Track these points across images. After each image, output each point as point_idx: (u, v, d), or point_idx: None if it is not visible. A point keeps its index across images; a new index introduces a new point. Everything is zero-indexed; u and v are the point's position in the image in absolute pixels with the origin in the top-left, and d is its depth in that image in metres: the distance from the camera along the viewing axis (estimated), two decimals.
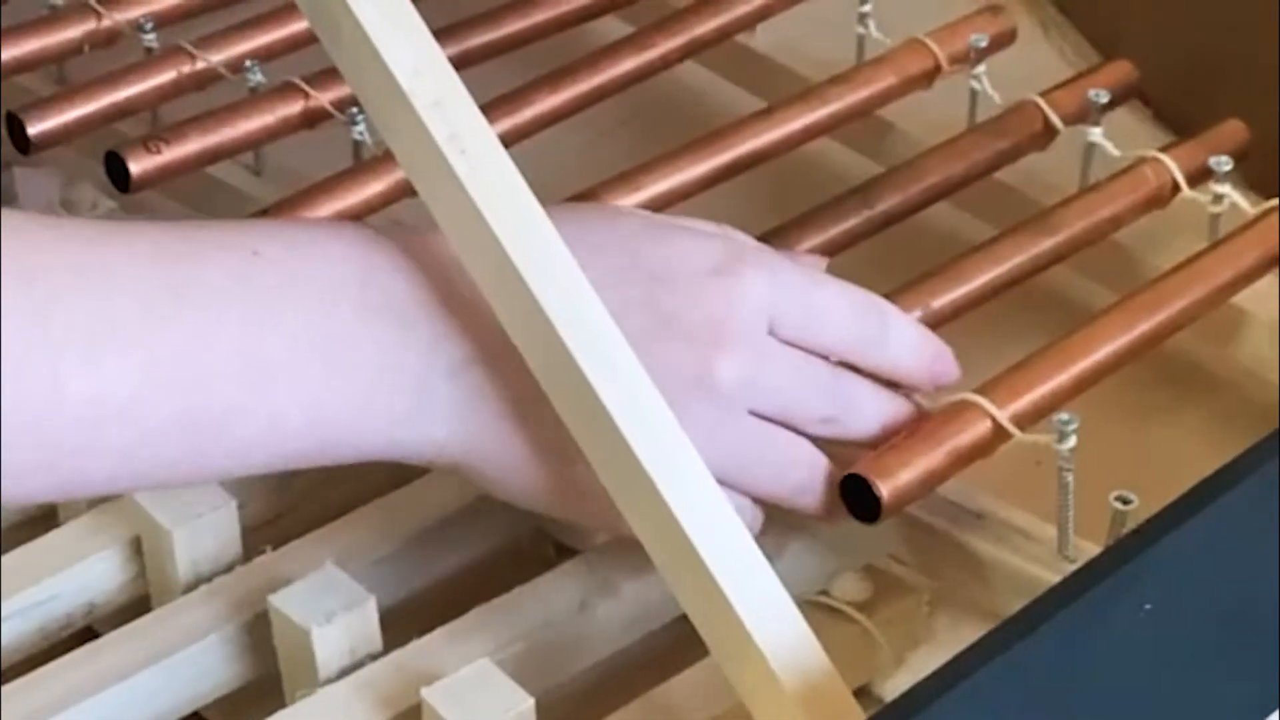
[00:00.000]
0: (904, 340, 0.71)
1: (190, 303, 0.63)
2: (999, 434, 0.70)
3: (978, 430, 0.70)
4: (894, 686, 0.69)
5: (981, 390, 0.71)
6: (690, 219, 0.72)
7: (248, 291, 0.64)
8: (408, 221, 0.76)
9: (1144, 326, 0.75)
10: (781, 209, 0.80)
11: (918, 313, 0.75)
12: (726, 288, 0.67)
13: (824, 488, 0.69)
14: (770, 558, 0.64)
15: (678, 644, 0.68)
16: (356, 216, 0.79)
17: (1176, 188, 0.83)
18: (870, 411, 0.70)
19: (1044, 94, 0.86)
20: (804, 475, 0.69)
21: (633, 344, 0.64)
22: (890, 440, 0.69)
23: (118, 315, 0.62)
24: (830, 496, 0.69)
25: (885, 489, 0.68)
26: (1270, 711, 0.56)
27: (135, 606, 0.73)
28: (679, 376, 0.65)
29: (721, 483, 0.64)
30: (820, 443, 0.69)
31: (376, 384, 0.65)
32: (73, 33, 0.90)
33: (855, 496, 0.68)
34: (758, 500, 0.69)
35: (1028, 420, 0.71)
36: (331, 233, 0.67)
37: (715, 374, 0.66)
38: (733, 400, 0.67)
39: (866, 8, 0.90)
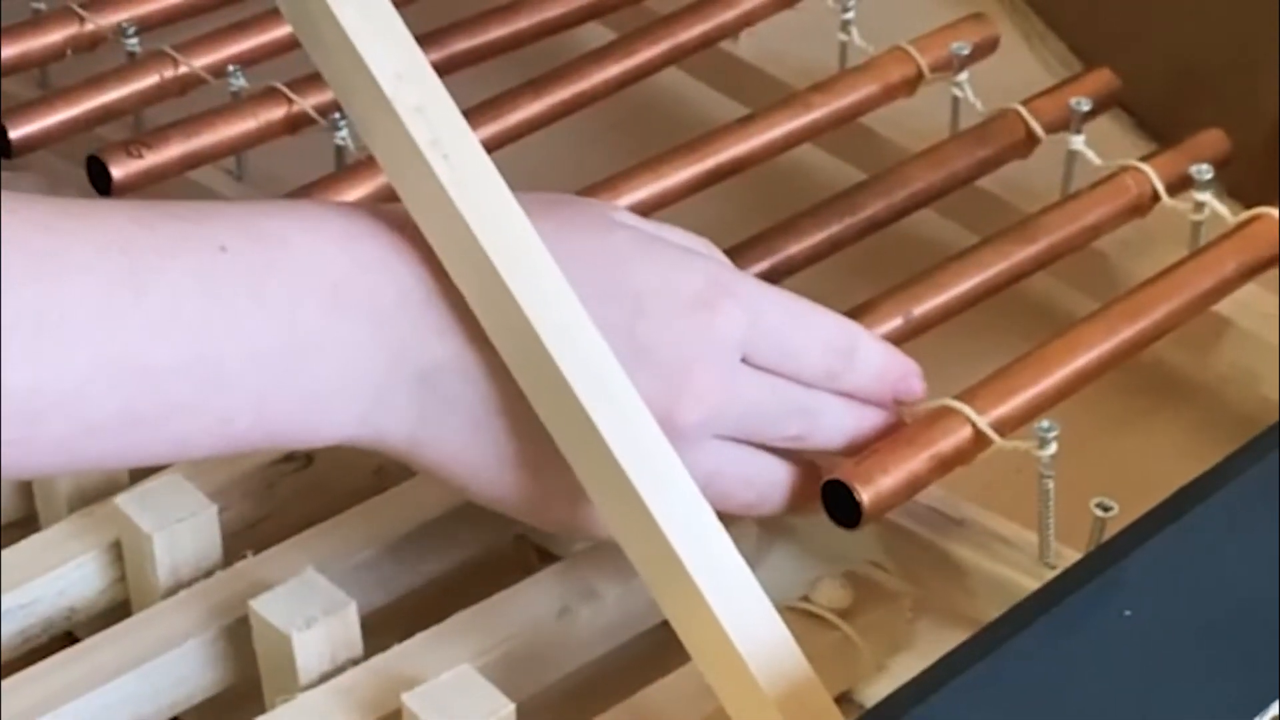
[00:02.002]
0: (869, 368, 0.71)
1: (147, 299, 0.61)
2: (979, 440, 0.70)
3: (958, 436, 0.70)
4: (875, 693, 0.69)
5: (962, 396, 0.71)
6: (676, 231, 0.71)
7: (209, 291, 0.62)
8: None
9: (1125, 334, 0.75)
10: (764, 215, 0.80)
11: (899, 320, 0.75)
12: (704, 323, 0.67)
13: (784, 496, 0.70)
14: (751, 564, 0.64)
15: (659, 650, 0.68)
16: None
17: (1157, 196, 0.83)
18: (839, 427, 0.70)
19: (1026, 102, 0.86)
20: (754, 495, 0.70)
21: None
22: (871, 446, 0.70)
23: (69, 307, 0.60)
24: (793, 500, 0.70)
25: (866, 495, 0.68)
26: (1250, 717, 0.56)
27: (115, 611, 0.72)
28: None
29: None
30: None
31: (334, 387, 0.64)
32: (55, 37, 0.90)
33: (836, 501, 0.68)
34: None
35: (1009, 427, 0.71)
36: (310, 224, 0.65)
37: (677, 416, 0.66)
38: (691, 438, 0.67)
39: (849, 15, 0.91)
